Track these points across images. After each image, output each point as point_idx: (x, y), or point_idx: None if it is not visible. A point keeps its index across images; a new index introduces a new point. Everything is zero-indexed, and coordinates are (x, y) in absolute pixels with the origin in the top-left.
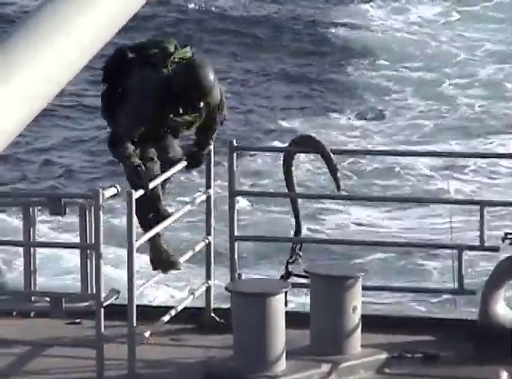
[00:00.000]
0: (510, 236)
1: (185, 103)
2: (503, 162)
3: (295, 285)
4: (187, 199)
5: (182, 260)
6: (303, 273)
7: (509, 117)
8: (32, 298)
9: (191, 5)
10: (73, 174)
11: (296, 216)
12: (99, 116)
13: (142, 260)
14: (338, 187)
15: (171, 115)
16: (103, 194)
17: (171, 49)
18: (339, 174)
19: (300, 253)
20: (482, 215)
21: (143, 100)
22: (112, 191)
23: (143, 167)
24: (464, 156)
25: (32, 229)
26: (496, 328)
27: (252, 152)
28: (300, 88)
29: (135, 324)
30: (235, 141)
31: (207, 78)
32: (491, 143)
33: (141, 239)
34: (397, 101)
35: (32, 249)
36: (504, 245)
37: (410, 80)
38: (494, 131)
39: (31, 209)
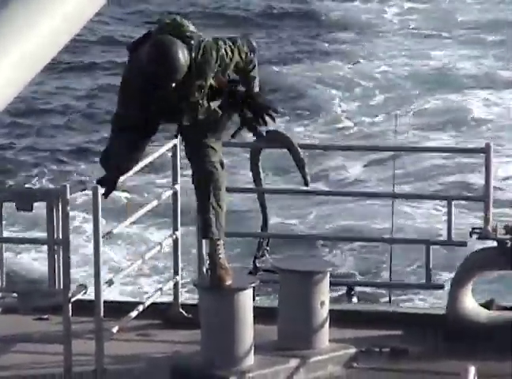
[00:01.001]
0: (477, 231)
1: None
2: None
3: (263, 280)
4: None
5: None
6: (271, 268)
7: None
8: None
9: None
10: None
11: (263, 211)
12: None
13: (110, 255)
14: (306, 182)
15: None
16: (70, 189)
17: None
18: (307, 169)
19: (268, 248)
20: (450, 210)
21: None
22: (79, 186)
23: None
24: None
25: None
26: (464, 322)
27: None
28: None
29: (102, 320)
30: None
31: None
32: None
33: (108, 234)
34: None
35: None
36: (471, 240)
37: None
38: None
39: None
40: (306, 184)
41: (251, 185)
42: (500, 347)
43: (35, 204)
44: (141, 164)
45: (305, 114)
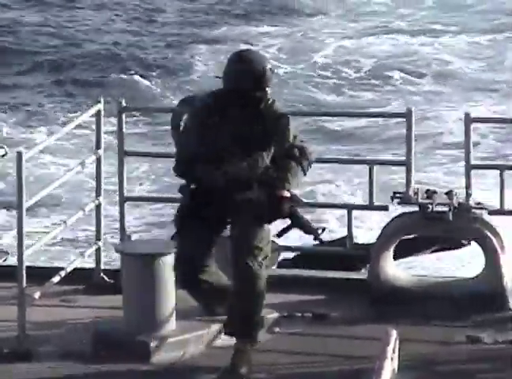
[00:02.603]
0: (398, 195)
1: None
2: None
3: None
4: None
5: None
6: None
7: None
8: None
9: None
10: None
11: None
12: None
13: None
14: None
15: None
16: None
17: None
18: None
19: None
20: (371, 174)
21: None
22: (0, 152)
23: None
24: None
25: None
26: (386, 287)
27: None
28: None
29: (25, 285)
30: (123, 102)
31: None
32: None
33: (31, 200)
34: None
35: None
36: (393, 205)
37: None
38: None
39: None
40: None
41: None
42: (422, 311)
43: None
44: (65, 129)
45: None
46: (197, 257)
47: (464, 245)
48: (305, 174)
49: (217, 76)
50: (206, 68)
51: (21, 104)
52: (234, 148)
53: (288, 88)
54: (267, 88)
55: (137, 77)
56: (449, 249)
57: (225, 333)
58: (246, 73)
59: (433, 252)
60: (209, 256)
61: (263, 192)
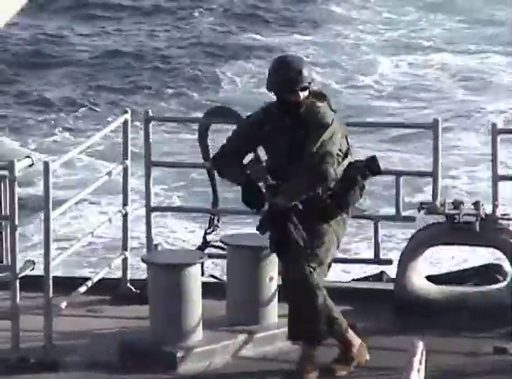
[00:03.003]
0: (425, 206)
1: None
2: None
3: (211, 256)
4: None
5: None
6: (220, 244)
7: None
8: None
9: None
10: None
11: (213, 187)
12: None
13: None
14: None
15: None
16: (17, 165)
17: None
18: None
19: (218, 224)
20: (398, 186)
21: None
22: (27, 162)
23: None
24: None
25: None
26: (413, 297)
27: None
28: None
29: (51, 295)
30: (150, 111)
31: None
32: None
33: (58, 210)
34: None
35: None
36: (420, 216)
37: None
38: None
39: None
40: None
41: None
42: (448, 322)
43: None
44: (90, 141)
45: None
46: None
47: (499, 281)
48: (314, 191)
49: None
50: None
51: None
52: (283, 159)
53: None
54: (300, 91)
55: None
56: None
57: (289, 339)
58: (275, 77)
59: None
60: None
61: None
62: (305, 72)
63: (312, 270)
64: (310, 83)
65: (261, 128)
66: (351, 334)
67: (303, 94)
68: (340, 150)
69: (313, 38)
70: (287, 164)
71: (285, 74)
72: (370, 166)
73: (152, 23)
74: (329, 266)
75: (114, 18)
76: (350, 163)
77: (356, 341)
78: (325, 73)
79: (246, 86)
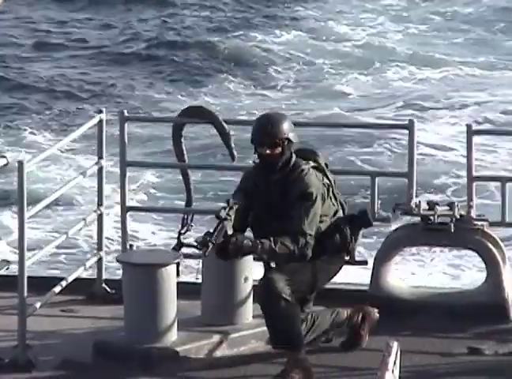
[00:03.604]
0: (400, 207)
1: None
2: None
3: (186, 256)
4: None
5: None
6: (194, 244)
7: None
8: None
9: None
10: None
11: (187, 187)
12: None
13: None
14: (232, 157)
15: None
16: None
17: None
18: (232, 144)
19: (192, 224)
20: (373, 186)
21: None
22: (2, 161)
23: None
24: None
25: None
26: (388, 298)
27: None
28: None
29: (26, 295)
30: (125, 111)
31: None
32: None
33: (32, 210)
34: None
35: None
36: (395, 216)
37: None
38: None
39: None
40: (232, 159)
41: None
42: (423, 322)
43: None
44: (66, 139)
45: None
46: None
47: None
48: (291, 254)
49: None
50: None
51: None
52: (264, 215)
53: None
54: (268, 146)
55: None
56: None
57: (273, 347)
58: (252, 130)
59: None
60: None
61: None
62: (276, 128)
63: (277, 280)
64: (281, 140)
65: (252, 182)
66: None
67: (273, 149)
68: (325, 216)
69: None
70: (267, 220)
71: (257, 128)
72: (361, 220)
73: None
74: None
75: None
76: (338, 219)
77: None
78: None
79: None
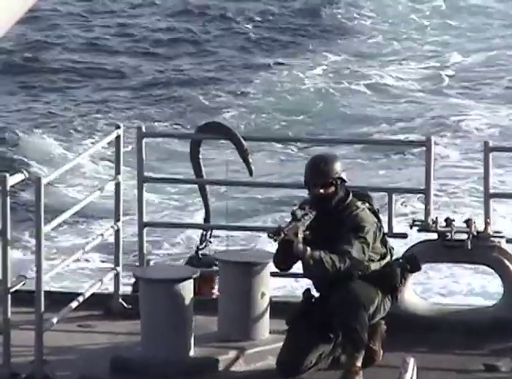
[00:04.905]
0: (417, 223)
1: None
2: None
3: (204, 271)
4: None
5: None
6: (212, 260)
7: None
8: None
9: None
10: None
11: (205, 203)
12: None
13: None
14: (250, 172)
15: None
16: (9, 179)
17: None
18: (250, 160)
19: (210, 240)
20: (390, 202)
21: None
22: (19, 177)
23: None
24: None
25: None
26: (404, 314)
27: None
28: None
29: (43, 310)
30: (143, 127)
31: None
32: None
33: (50, 225)
34: None
35: None
36: (412, 232)
37: None
38: None
39: None
40: (250, 174)
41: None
42: (439, 339)
43: None
44: (83, 155)
45: None
46: (300, 362)
47: None
48: (336, 270)
49: None
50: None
51: None
52: (316, 243)
53: None
54: (321, 186)
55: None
56: None
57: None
58: (304, 172)
59: None
60: (312, 360)
61: None
62: (329, 167)
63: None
64: (335, 179)
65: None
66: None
67: (326, 189)
68: (374, 253)
69: None
70: (318, 247)
71: (310, 168)
72: (410, 264)
73: None
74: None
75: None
76: (388, 263)
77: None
78: None
79: None
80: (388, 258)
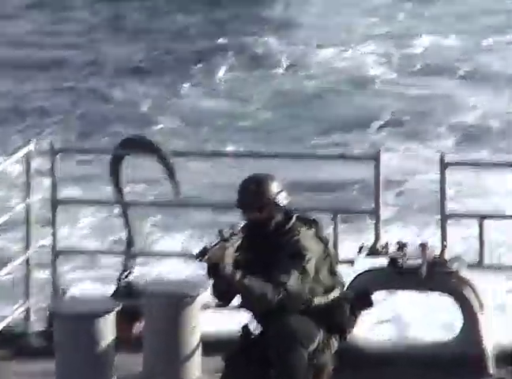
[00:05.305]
0: (366, 247)
1: None
2: None
3: (126, 305)
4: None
5: None
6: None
7: None
8: None
9: None
10: None
11: (127, 226)
12: None
13: None
14: (177, 192)
15: None
16: None
17: None
18: (177, 178)
19: (133, 268)
20: (335, 224)
21: None
22: None
23: None
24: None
25: None
26: (355, 351)
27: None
28: None
29: None
30: (57, 143)
31: None
32: None
33: None
34: None
35: None
36: (360, 258)
37: None
38: None
39: None
40: (177, 195)
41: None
42: (395, 375)
43: None
44: None
45: None
46: None
47: None
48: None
49: None
50: None
51: None
52: (251, 267)
53: None
54: (255, 210)
55: None
56: None
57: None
58: (240, 191)
59: None
60: None
61: None
62: (260, 190)
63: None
64: (268, 202)
65: (241, 246)
66: None
67: (260, 212)
68: (317, 283)
69: None
70: (253, 272)
71: (240, 193)
72: (361, 301)
73: None
74: None
75: None
76: (337, 297)
77: None
78: None
79: None
80: (337, 291)
